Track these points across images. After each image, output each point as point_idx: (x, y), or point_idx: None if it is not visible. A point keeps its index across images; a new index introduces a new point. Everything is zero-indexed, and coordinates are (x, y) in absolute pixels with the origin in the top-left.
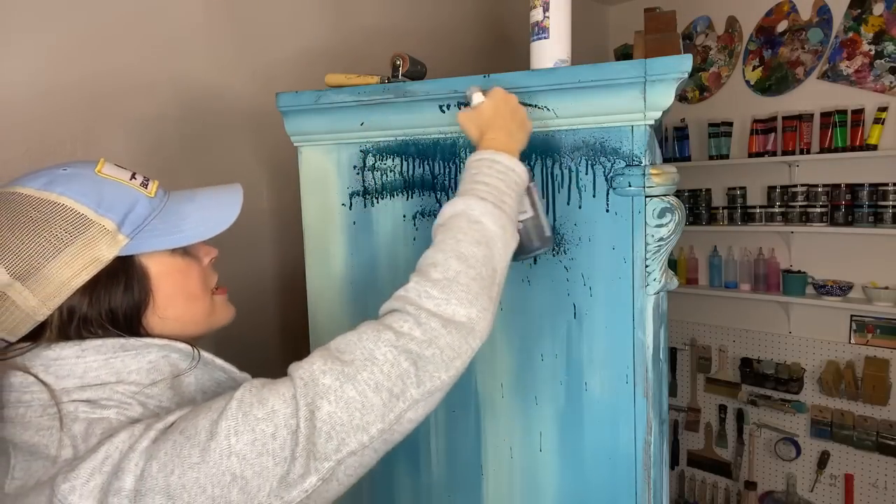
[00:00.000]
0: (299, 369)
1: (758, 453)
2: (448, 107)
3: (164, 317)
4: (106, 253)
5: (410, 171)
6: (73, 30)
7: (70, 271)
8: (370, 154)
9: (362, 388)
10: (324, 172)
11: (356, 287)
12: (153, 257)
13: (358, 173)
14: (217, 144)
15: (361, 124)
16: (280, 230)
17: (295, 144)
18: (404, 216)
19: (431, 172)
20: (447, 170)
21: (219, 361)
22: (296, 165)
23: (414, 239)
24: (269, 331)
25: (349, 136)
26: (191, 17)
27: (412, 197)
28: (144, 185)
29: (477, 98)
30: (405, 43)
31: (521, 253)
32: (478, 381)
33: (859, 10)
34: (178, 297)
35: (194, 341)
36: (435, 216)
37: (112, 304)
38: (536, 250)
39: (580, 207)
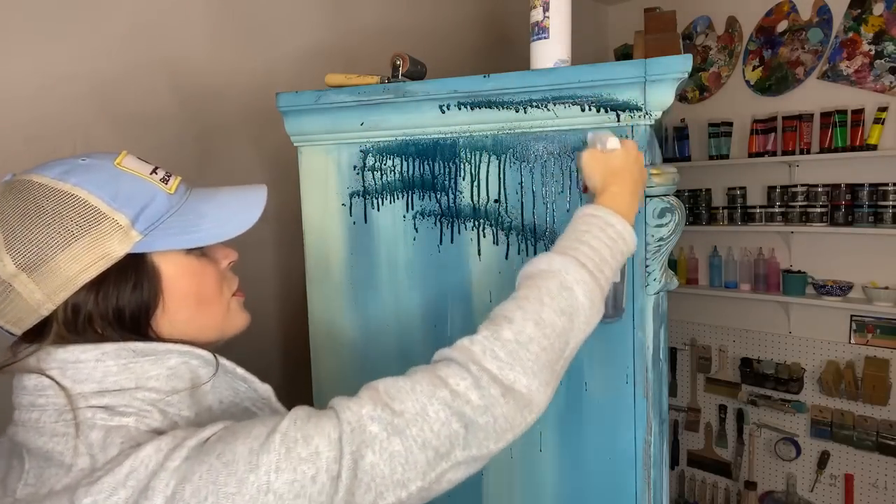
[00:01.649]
0: (347, 410)
1: (758, 453)
2: (448, 107)
3: (174, 320)
4: (117, 249)
5: (410, 172)
6: (73, 30)
7: (78, 266)
8: (370, 154)
9: (409, 444)
10: (324, 172)
11: (356, 287)
12: (167, 256)
13: (358, 173)
14: (217, 144)
15: (361, 124)
16: (280, 230)
17: (295, 144)
18: (404, 216)
19: (431, 172)
20: (447, 170)
21: (240, 371)
22: (296, 165)
23: (413, 239)
24: (269, 331)
25: (349, 136)
26: (191, 16)
27: (412, 197)
28: (165, 180)
29: (612, 143)
30: (405, 43)
31: None
32: None
33: (859, 10)
34: (189, 300)
35: (209, 348)
36: (435, 216)
37: (119, 302)
38: (607, 318)
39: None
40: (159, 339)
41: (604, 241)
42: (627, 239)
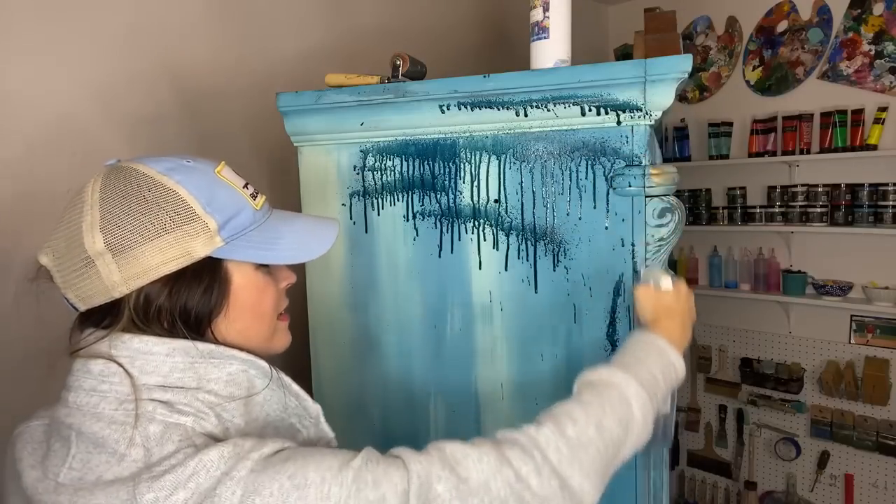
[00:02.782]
0: (417, 463)
1: (758, 453)
2: (448, 107)
3: (230, 328)
4: (200, 250)
5: (410, 172)
6: (73, 30)
7: (161, 258)
8: (370, 154)
9: None
10: (324, 172)
11: (356, 286)
12: (239, 267)
13: (358, 173)
14: (217, 144)
15: (361, 124)
16: None
17: (295, 144)
18: (404, 216)
19: (431, 173)
20: (447, 170)
21: (295, 387)
22: (296, 165)
23: (413, 239)
24: None
25: (349, 136)
26: (191, 17)
27: (412, 197)
28: (254, 196)
29: (666, 283)
30: (405, 43)
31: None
32: (478, 381)
33: (859, 10)
34: (248, 311)
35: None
36: (435, 216)
37: (189, 300)
38: (655, 444)
39: (580, 207)
40: (216, 342)
41: (659, 368)
42: (679, 370)
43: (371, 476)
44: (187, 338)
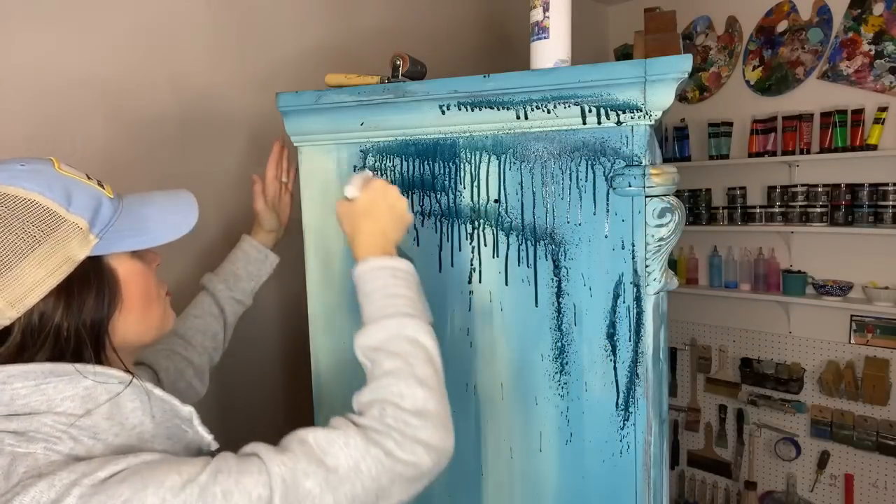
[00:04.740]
0: (279, 464)
1: (758, 453)
2: (448, 107)
3: (127, 323)
4: (79, 252)
5: (410, 172)
6: (73, 29)
7: (43, 271)
8: (370, 154)
9: (340, 500)
10: (324, 172)
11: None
12: (118, 259)
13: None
14: (217, 144)
15: (361, 124)
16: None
17: (295, 144)
18: None
19: (431, 173)
20: (447, 170)
21: (158, 392)
22: (296, 165)
23: (413, 238)
24: (269, 331)
25: (349, 136)
26: (191, 16)
27: (412, 197)
28: (101, 185)
29: (350, 191)
30: (405, 43)
31: None
32: (478, 381)
33: (859, 10)
34: (140, 299)
35: (131, 360)
36: (435, 216)
37: (86, 309)
38: None
39: (580, 208)
40: (112, 345)
41: (403, 286)
42: (404, 267)
43: (221, 489)
44: (82, 355)
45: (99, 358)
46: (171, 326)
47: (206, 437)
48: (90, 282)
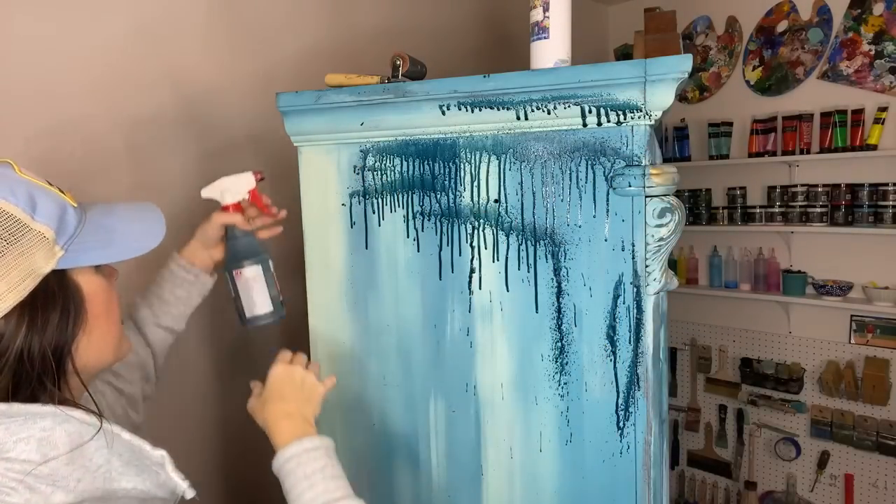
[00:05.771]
0: None
1: (758, 453)
2: (448, 107)
3: (89, 344)
4: (43, 264)
5: (410, 172)
6: (73, 29)
7: (4, 285)
8: (370, 154)
9: None
10: (324, 172)
11: (356, 287)
12: (82, 274)
13: (358, 173)
14: (217, 144)
15: (361, 124)
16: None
17: (295, 144)
18: (404, 216)
19: (431, 173)
20: (447, 170)
21: (126, 436)
22: (296, 165)
23: (414, 239)
24: (269, 331)
25: (349, 136)
26: (191, 16)
27: (412, 197)
28: (62, 192)
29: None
30: (405, 43)
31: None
32: (477, 381)
33: (859, 10)
34: (102, 318)
35: (97, 377)
36: (435, 216)
37: (49, 330)
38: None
39: (580, 208)
40: (75, 369)
41: (332, 469)
42: (328, 445)
43: None
44: (44, 381)
45: (60, 384)
46: (129, 351)
47: (181, 483)
48: (55, 298)
